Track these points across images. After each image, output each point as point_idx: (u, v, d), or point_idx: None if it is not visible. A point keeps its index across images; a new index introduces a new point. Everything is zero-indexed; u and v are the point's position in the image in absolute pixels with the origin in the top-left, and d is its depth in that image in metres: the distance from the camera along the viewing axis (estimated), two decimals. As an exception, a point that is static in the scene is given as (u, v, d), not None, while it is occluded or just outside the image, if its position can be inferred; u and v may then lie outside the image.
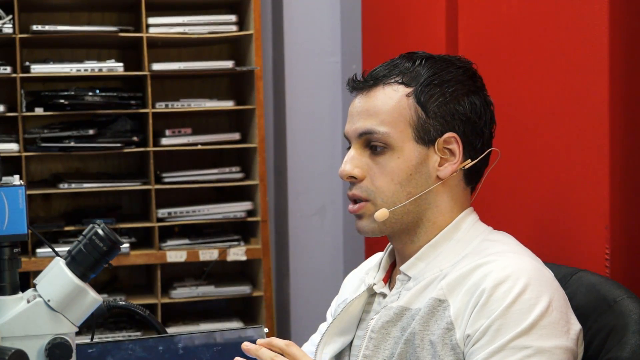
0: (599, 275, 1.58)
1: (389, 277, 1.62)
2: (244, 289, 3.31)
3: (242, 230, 3.41)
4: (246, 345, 1.44)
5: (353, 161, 1.54)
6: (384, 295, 1.57)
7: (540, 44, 1.87)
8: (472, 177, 1.58)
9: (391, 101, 1.53)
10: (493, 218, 1.96)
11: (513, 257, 1.46)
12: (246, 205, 3.32)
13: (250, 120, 3.33)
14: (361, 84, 1.57)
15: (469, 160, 1.55)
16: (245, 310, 3.50)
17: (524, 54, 1.93)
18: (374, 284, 1.60)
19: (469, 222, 1.56)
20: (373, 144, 1.53)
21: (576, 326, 1.44)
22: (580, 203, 1.75)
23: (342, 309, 1.61)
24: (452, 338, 1.42)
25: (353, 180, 1.54)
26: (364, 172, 1.53)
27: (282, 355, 1.43)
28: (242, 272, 3.54)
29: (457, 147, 1.53)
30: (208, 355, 1.50)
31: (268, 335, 1.52)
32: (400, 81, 1.54)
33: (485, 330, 1.39)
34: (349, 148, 1.58)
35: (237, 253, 3.27)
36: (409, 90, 1.53)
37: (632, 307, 1.46)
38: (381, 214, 1.51)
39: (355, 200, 1.56)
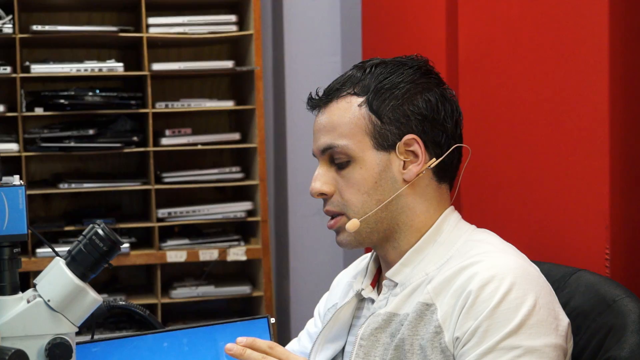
0: (598, 275, 1.59)
1: (377, 281, 1.62)
2: (244, 289, 3.31)
3: (242, 230, 3.41)
4: (229, 350, 1.41)
5: (321, 178, 1.55)
6: (373, 300, 1.57)
7: (540, 44, 1.87)
8: (443, 174, 1.56)
9: (346, 113, 1.53)
10: (493, 218, 1.96)
11: (498, 257, 1.46)
12: (246, 205, 3.32)
13: (250, 120, 3.33)
14: (317, 102, 1.59)
15: (434, 159, 1.54)
16: (245, 310, 3.50)
17: (524, 54, 1.93)
18: (362, 289, 1.60)
19: (451, 223, 1.55)
20: (337, 159, 1.54)
21: (564, 321, 1.44)
22: (580, 203, 1.75)
23: (331, 316, 1.60)
24: (441, 341, 1.42)
25: (324, 197, 1.56)
26: (332, 188, 1.54)
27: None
28: (242, 272, 3.54)
29: (418, 148, 1.52)
30: (213, 351, 1.49)
31: (274, 326, 1.52)
32: (352, 92, 1.54)
33: (474, 332, 1.39)
34: None
35: (237, 253, 3.27)
36: (360, 99, 1.53)
37: (631, 307, 1.46)
38: (352, 224, 1.52)
39: (332, 217, 1.57)
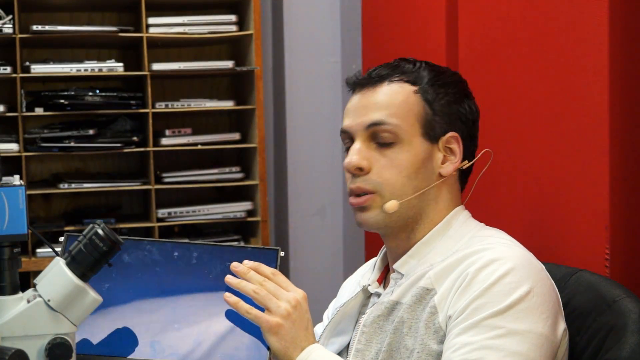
0: (598, 275, 1.59)
1: (384, 278, 1.63)
2: (244, 289, 3.30)
3: (242, 230, 3.41)
4: (235, 266, 1.48)
5: (360, 153, 1.54)
6: (379, 295, 1.58)
7: (540, 44, 1.87)
8: (464, 178, 1.62)
9: (400, 96, 1.55)
10: (493, 218, 1.96)
11: (502, 247, 1.47)
12: (246, 205, 3.32)
13: (250, 120, 3.33)
14: (365, 81, 1.59)
15: (466, 161, 1.58)
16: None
17: (524, 54, 1.93)
18: (369, 285, 1.60)
19: (461, 219, 1.58)
20: (381, 137, 1.54)
21: (562, 324, 1.45)
22: (580, 203, 1.75)
23: (337, 310, 1.61)
24: (435, 322, 1.43)
25: (359, 172, 1.54)
26: (370, 164, 1.54)
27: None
28: (242, 272, 3.54)
29: (457, 147, 1.57)
30: (219, 269, 1.52)
31: (282, 259, 1.54)
32: (405, 80, 1.56)
33: (465, 309, 1.40)
34: (347, 149, 1.58)
35: (237, 253, 3.27)
36: (414, 87, 1.56)
37: (631, 307, 1.46)
38: (391, 205, 1.52)
39: (358, 194, 1.55)
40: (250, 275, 1.47)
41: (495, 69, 2.06)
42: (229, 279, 1.48)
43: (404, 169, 1.53)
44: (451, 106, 1.56)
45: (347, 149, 1.58)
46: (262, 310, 1.46)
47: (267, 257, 1.54)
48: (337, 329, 1.61)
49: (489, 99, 2.07)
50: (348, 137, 1.59)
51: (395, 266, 1.56)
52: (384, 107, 1.54)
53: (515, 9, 1.97)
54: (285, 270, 3.50)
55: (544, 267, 1.50)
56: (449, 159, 1.56)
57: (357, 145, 1.55)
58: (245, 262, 1.49)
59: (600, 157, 1.68)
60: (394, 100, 1.55)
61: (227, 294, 1.47)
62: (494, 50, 2.06)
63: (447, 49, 2.29)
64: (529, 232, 1.90)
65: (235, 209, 3.32)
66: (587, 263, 1.68)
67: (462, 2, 2.22)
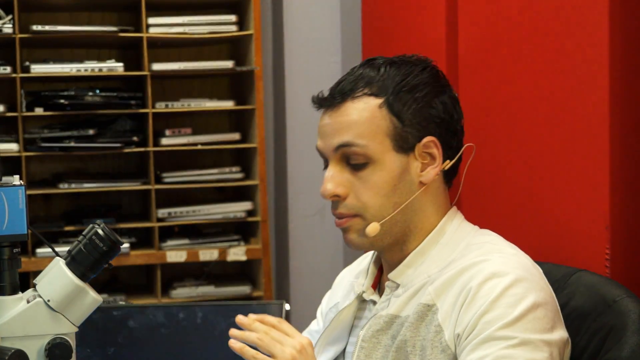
0: (598, 275, 1.59)
1: (378, 282, 1.61)
2: (244, 289, 3.31)
3: (242, 230, 3.41)
4: (240, 319, 1.44)
5: (334, 179, 1.50)
6: (374, 302, 1.57)
7: (540, 44, 1.87)
8: (450, 175, 1.57)
9: (365, 113, 1.49)
10: (493, 218, 1.96)
11: (500, 258, 1.45)
12: (246, 205, 3.32)
13: (250, 120, 3.33)
14: (328, 101, 1.53)
15: (448, 161, 1.53)
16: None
17: (524, 54, 1.93)
18: (363, 292, 1.59)
19: (454, 225, 1.55)
20: (352, 158, 1.49)
21: (564, 333, 1.44)
22: (580, 203, 1.75)
23: (333, 318, 1.60)
24: (441, 340, 1.42)
25: (337, 199, 1.51)
26: (346, 189, 1.50)
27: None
28: (242, 272, 3.54)
29: (436, 151, 1.51)
30: (224, 325, 1.51)
31: (288, 312, 1.52)
32: (368, 93, 1.50)
33: (474, 326, 1.39)
34: (326, 168, 1.54)
35: (237, 253, 3.27)
36: (379, 101, 1.50)
37: (631, 307, 1.46)
38: (372, 228, 1.49)
39: (340, 217, 1.52)
40: (255, 325, 1.43)
41: (495, 68, 2.06)
42: (233, 331, 1.43)
43: (380, 189, 1.49)
44: (422, 111, 1.50)
45: (325, 166, 1.55)
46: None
47: (272, 311, 1.52)
48: (332, 337, 1.60)
49: (488, 98, 2.07)
50: (323, 157, 1.55)
51: (390, 276, 1.54)
52: (350, 127, 1.49)
53: (515, 8, 1.96)
54: (285, 270, 3.51)
55: (540, 270, 1.49)
56: (429, 165, 1.51)
57: (330, 171, 1.51)
58: (251, 314, 1.45)
59: (600, 157, 1.68)
60: (359, 119, 1.49)
61: (232, 341, 1.42)
62: (494, 49, 2.06)
63: (447, 48, 2.28)
64: (529, 232, 1.90)
65: (235, 209, 3.32)
66: (587, 263, 1.68)
67: (462, 2, 2.22)
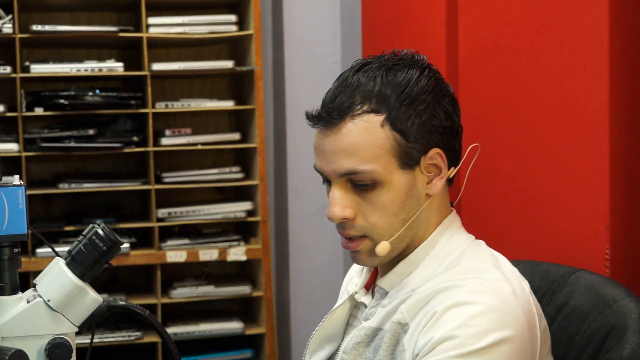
0: (598, 275, 1.58)
1: (373, 282, 1.59)
2: (244, 289, 3.31)
3: (242, 230, 3.41)
4: None
5: (340, 202, 1.45)
6: (366, 305, 1.55)
7: (540, 44, 1.87)
8: (452, 178, 1.52)
9: (367, 135, 1.42)
10: (493, 218, 1.96)
11: (475, 284, 1.39)
12: (246, 205, 3.32)
13: (250, 120, 3.33)
14: (325, 120, 1.45)
15: (453, 169, 1.49)
16: (245, 311, 3.50)
17: (524, 54, 1.93)
18: (356, 293, 1.57)
19: (447, 235, 1.50)
20: (358, 182, 1.44)
21: None
22: (580, 203, 1.75)
23: (326, 317, 1.60)
24: (402, 359, 1.39)
25: (344, 221, 1.46)
26: (354, 211, 1.45)
27: None
28: (242, 272, 3.54)
29: (441, 161, 1.46)
30: None
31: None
32: (368, 110, 1.42)
33: (431, 348, 1.34)
34: (325, 182, 1.50)
35: (237, 253, 3.27)
36: (381, 118, 1.42)
37: (631, 307, 1.46)
38: (382, 247, 1.45)
39: (348, 238, 1.49)
40: None
41: (495, 68, 2.06)
42: None
43: (389, 209, 1.44)
44: (425, 125, 1.43)
45: (324, 181, 1.50)
46: None
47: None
48: (326, 335, 1.59)
49: (488, 98, 2.07)
50: (322, 175, 1.50)
51: (378, 282, 1.52)
52: (353, 153, 1.42)
53: (516, 8, 1.97)
54: (285, 270, 3.51)
55: (525, 295, 1.42)
56: (435, 177, 1.46)
57: (335, 193, 1.46)
58: None
59: (600, 157, 1.68)
60: (362, 142, 1.41)
61: None
62: (494, 50, 2.06)
63: (447, 48, 2.29)
64: (529, 232, 1.90)
65: (235, 209, 3.32)
66: (587, 263, 1.68)
67: (462, 2, 2.22)
